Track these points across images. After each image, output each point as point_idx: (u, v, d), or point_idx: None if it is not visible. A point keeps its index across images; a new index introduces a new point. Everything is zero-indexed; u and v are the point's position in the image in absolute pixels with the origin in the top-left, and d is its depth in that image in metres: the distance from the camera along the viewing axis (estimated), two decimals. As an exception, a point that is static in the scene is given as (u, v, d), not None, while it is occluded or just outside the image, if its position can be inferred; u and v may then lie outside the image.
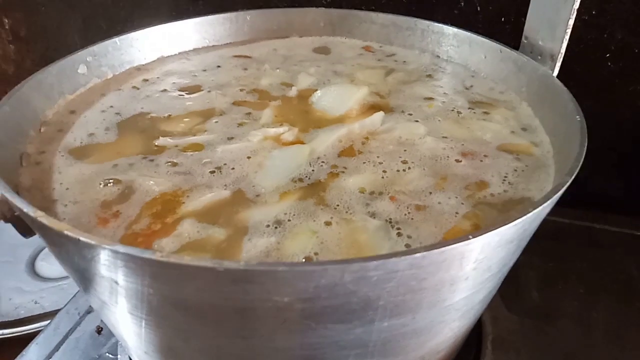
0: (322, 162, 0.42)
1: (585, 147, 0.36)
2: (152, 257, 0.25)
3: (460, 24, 0.69)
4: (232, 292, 0.26)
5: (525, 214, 0.29)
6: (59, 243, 0.30)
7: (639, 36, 0.65)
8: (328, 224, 0.35)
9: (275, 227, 0.35)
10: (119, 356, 0.54)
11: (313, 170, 0.41)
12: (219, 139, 0.45)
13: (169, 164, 0.42)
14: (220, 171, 0.41)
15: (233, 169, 0.41)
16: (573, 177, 0.32)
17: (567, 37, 0.48)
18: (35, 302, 0.86)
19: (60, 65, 0.50)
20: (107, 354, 0.54)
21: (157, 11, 0.85)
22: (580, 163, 0.34)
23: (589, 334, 0.57)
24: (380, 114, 0.47)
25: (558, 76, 0.49)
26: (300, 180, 0.40)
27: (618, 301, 0.61)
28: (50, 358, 0.55)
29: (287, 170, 0.41)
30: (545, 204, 0.30)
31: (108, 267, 0.28)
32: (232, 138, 0.45)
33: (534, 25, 0.51)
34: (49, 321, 0.63)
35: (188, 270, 0.25)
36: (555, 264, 0.67)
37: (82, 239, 0.27)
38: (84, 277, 0.33)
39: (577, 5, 0.46)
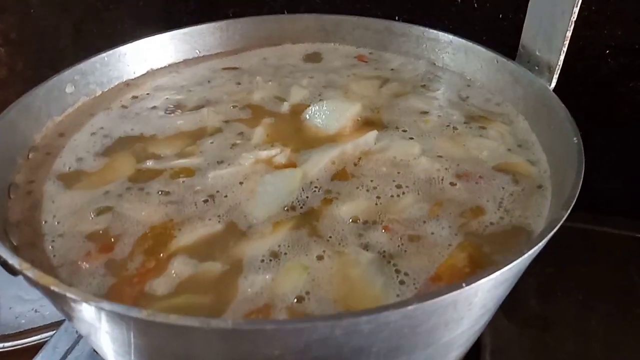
0: (315, 187, 0.41)
1: (582, 175, 0.35)
2: (139, 315, 0.25)
3: (457, 22, 0.68)
4: (221, 348, 0.26)
5: (519, 257, 0.28)
6: (45, 292, 0.30)
7: (638, 32, 0.64)
8: (320, 258, 0.35)
9: (270, 261, 0.35)
10: (117, 375, 0.54)
11: (306, 197, 0.40)
12: (210, 163, 0.44)
13: (161, 192, 0.41)
14: (213, 200, 0.40)
15: (225, 196, 0.41)
16: (569, 210, 0.32)
17: (565, 49, 0.46)
18: (36, 311, 0.86)
19: (47, 86, 0.49)
20: (106, 373, 0.55)
21: (147, 13, 0.84)
22: (577, 194, 0.33)
23: (587, 342, 0.57)
24: (374, 133, 0.46)
25: (558, 76, 0.47)
26: (293, 208, 0.39)
27: (617, 308, 0.61)
28: (50, 377, 0.55)
29: (279, 198, 0.40)
30: (540, 244, 0.29)
31: (95, 319, 0.28)
32: (223, 162, 0.44)
33: (530, 35, 0.50)
34: (48, 333, 0.63)
35: (175, 328, 0.25)
36: (553, 269, 0.66)
37: (68, 295, 0.26)
38: (73, 320, 0.32)
39: (574, 17, 0.44)
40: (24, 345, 0.74)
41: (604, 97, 0.70)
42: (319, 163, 0.43)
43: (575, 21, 0.46)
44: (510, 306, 0.61)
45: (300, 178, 0.42)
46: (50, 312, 0.84)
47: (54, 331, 0.63)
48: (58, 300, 0.29)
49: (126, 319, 0.26)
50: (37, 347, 0.63)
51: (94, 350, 0.57)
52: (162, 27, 0.71)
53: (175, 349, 0.28)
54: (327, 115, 0.49)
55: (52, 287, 0.27)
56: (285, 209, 0.39)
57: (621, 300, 0.62)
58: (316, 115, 0.50)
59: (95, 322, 0.28)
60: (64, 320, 0.62)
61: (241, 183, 0.42)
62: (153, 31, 0.75)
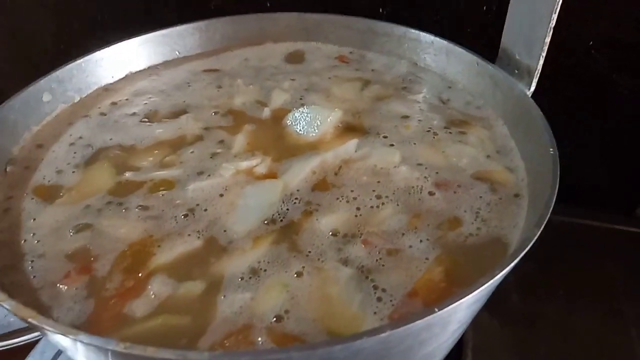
0: (296, 198, 0.42)
1: (557, 189, 0.35)
2: (116, 348, 0.25)
3: (442, 13, 0.67)
4: (199, 376, 0.26)
5: (490, 279, 0.29)
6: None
7: (623, 25, 0.64)
8: (300, 274, 0.35)
9: (249, 278, 0.35)
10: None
11: (287, 210, 0.41)
12: (190, 175, 0.44)
13: (140, 207, 0.41)
14: (193, 214, 0.40)
15: (205, 210, 0.41)
16: (542, 228, 0.32)
17: (544, 54, 0.46)
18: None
19: (23, 96, 0.48)
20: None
21: (128, 8, 0.82)
22: (550, 210, 0.34)
23: (568, 338, 0.58)
24: (354, 141, 0.46)
25: (543, 70, 0.47)
26: (273, 221, 0.40)
27: (598, 302, 0.62)
28: (39, 381, 0.55)
29: (260, 211, 0.40)
30: (512, 263, 0.30)
31: (74, 349, 0.28)
32: (203, 173, 0.44)
33: (510, 39, 0.50)
34: (37, 334, 0.63)
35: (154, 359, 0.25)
36: (535, 264, 0.67)
37: (46, 327, 0.27)
38: (54, 343, 0.33)
39: (553, 24, 0.44)
40: (14, 346, 0.75)
41: (588, 90, 0.71)
42: (300, 173, 0.43)
43: (560, 14, 0.46)
44: (492, 302, 0.62)
45: (281, 190, 0.42)
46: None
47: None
48: (37, 329, 0.29)
49: (104, 351, 0.26)
50: (25, 348, 0.63)
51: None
52: (143, 15, 0.70)
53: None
54: (308, 122, 0.49)
55: (31, 320, 0.27)
56: (266, 222, 0.40)
57: (603, 295, 0.63)
58: (297, 122, 0.50)
59: (75, 350, 0.28)
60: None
61: (221, 195, 0.42)
62: (134, 22, 0.74)
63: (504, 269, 0.29)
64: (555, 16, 0.44)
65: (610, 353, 0.56)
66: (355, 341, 0.25)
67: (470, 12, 0.68)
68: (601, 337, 0.58)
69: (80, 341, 0.26)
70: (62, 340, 0.28)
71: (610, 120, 0.72)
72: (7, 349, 0.77)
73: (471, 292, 0.28)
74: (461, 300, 0.27)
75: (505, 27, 0.50)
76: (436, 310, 0.27)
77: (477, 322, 0.60)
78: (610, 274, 0.66)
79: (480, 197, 0.42)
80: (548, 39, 0.45)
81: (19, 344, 0.76)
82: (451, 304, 0.27)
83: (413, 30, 0.59)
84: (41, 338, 0.62)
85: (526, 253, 0.62)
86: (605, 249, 0.69)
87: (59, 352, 0.58)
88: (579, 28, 0.66)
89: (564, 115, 0.41)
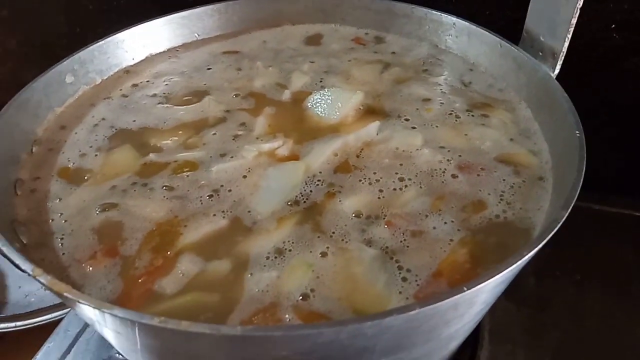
0: (318, 180, 0.42)
1: (583, 173, 0.35)
2: (151, 322, 0.26)
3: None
4: (230, 351, 0.27)
5: (519, 259, 0.29)
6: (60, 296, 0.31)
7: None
8: (324, 255, 0.36)
9: (275, 258, 0.36)
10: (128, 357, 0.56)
11: (310, 191, 0.41)
12: (213, 156, 0.44)
13: (165, 187, 0.41)
14: (218, 194, 0.41)
15: (230, 191, 0.41)
16: (569, 210, 0.32)
17: (569, 36, 0.46)
18: (45, 289, 0.88)
19: (46, 78, 0.48)
20: (117, 355, 0.56)
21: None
22: (577, 193, 0.34)
23: (583, 321, 0.58)
24: (376, 124, 0.46)
25: None
26: (297, 203, 0.40)
27: (613, 287, 0.62)
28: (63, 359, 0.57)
29: (283, 193, 0.41)
30: (539, 246, 0.30)
31: (107, 323, 0.29)
32: (226, 155, 0.44)
33: (534, 20, 0.49)
34: (58, 312, 0.65)
35: (186, 334, 0.26)
36: (552, 249, 0.67)
37: (81, 301, 0.27)
38: (84, 318, 0.33)
39: (580, 4, 0.44)
40: (35, 325, 0.76)
41: (607, 72, 0.69)
42: (322, 155, 0.44)
43: None
44: (508, 285, 0.63)
45: (303, 171, 0.42)
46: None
47: (64, 310, 0.64)
48: (71, 304, 0.30)
49: (138, 325, 0.27)
50: (48, 327, 0.65)
51: (105, 334, 0.59)
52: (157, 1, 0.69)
53: (185, 351, 0.29)
54: (328, 105, 0.49)
55: (66, 294, 0.27)
56: (289, 203, 0.40)
57: (617, 279, 0.63)
58: (318, 105, 0.49)
59: (108, 325, 0.29)
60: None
61: (245, 177, 0.42)
62: (148, 4, 0.73)
63: (531, 251, 0.29)
64: (582, -3, 0.43)
65: (624, 336, 0.57)
66: (385, 318, 0.26)
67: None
68: (615, 320, 0.58)
69: (115, 315, 0.26)
70: (95, 315, 0.28)
71: (626, 105, 0.70)
72: (28, 327, 0.79)
73: (499, 273, 0.28)
74: (489, 280, 0.27)
75: (529, 8, 0.50)
76: (465, 289, 0.27)
77: (493, 305, 0.60)
78: (625, 259, 0.65)
79: (504, 179, 0.42)
80: (574, 20, 0.45)
81: (39, 323, 0.78)
82: (479, 283, 0.27)
83: (435, 12, 0.58)
84: (62, 318, 0.63)
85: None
86: (620, 234, 0.69)
87: (83, 330, 0.60)
88: (600, 8, 0.65)
89: (579, 99, 0.40)
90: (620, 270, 0.64)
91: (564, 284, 0.63)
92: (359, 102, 0.50)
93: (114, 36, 0.55)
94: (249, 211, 0.39)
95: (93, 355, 0.57)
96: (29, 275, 0.30)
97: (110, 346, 0.57)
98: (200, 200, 0.40)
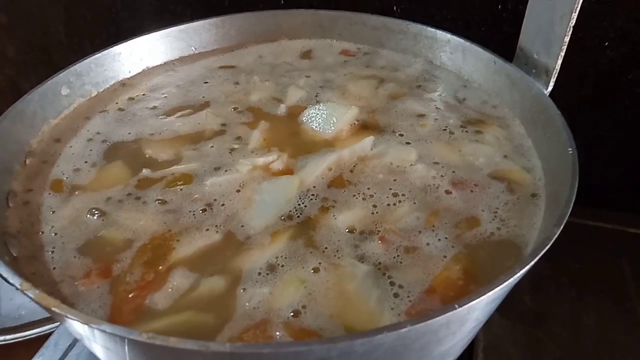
0: (312, 195, 0.42)
1: (576, 189, 0.35)
2: (139, 338, 0.25)
3: (456, 11, 0.67)
4: (220, 368, 0.27)
5: (511, 276, 0.29)
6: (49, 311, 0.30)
7: (639, 24, 0.64)
8: (316, 270, 0.36)
9: (267, 274, 0.35)
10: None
11: (304, 206, 0.41)
12: (207, 170, 0.44)
13: (158, 201, 0.41)
14: (211, 208, 0.41)
15: (223, 205, 0.41)
16: (562, 227, 0.32)
17: (563, 53, 0.46)
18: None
19: (42, 89, 0.49)
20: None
21: (142, 1, 0.82)
22: (570, 209, 0.34)
23: (579, 338, 0.58)
24: (370, 139, 0.46)
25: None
26: (290, 217, 0.40)
27: (609, 303, 0.62)
28: (53, 373, 0.56)
29: (276, 207, 0.41)
30: (531, 262, 0.30)
31: (95, 338, 0.28)
32: (220, 168, 0.44)
33: (528, 38, 0.50)
34: (49, 326, 0.64)
35: (175, 351, 0.26)
36: (547, 264, 0.67)
37: (69, 316, 0.27)
38: (74, 333, 0.33)
39: (573, 22, 0.44)
40: (25, 338, 0.76)
41: (603, 88, 0.70)
42: (316, 170, 0.44)
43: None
44: (503, 301, 0.62)
45: (297, 186, 0.42)
46: (50, 304, 0.85)
47: (55, 324, 0.64)
48: (59, 319, 0.30)
49: (127, 341, 0.26)
50: (38, 340, 0.64)
51: (95, 348, 0.58)
52: (156, 12, 0.70)
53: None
54: (323, 119, 0.49)
55: (54, 308, 0.27)
56: (282, 218, 0.40)
57: (613, 294, 0.62)
58: (313, 119, 0.50)
59: (97, 340, 0.29)
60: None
61: (238, 191, 0.42)
62: (146, 17, 0.74)
63: (524, 267, 0.29)
64: (575, 15, 0.44)
65: (621, 352, 0.56)
66: (376, 336, 0.25)
67: (485, 10, 0.68)
68: (612, 336, 0.58)
69: (103, 331, 0.26)
70: (84, 330, 0.28)
71: (623, 120, 0.71)
72: (18, 341, 0.78)
73: (492, 290, 0.28)
74: (481, 298, 0.27)
75: (523, 25, 0.50)
76: (456, 306, 0.27)
77: (488, 322, 0.60)
78: (621, 275, 0.65)
79: (498, 196, 0.42)
80: (567, 38, 0.45)
81: (29, 337, 0.77)
82: (472, 301, 0.27)
83: (429, 28, 0.59)
84: (53, 331, 0.63)
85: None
86: (616, 250, 0.69)
87: (73, 344, 0.59)
88: (595, 24, 0.65)
89: (575, 115, 0.41)
90: (616, 286, 0.64)
91: (560, 300, 0.63)
92: (354, 117, 0.50)
93: (111, 49, 0.55)
94: (242, 226, 0.39)
95: (83, 369, 0.56)
96: (17, 289, 0.29)
97: None
98: (194, 214, 0.40)
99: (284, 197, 0.41)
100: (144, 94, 0.55)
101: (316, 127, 0.49)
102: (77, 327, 0.28)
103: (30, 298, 0.28)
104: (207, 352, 0.25)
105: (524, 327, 0.60)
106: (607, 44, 0.68)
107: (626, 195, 0.75)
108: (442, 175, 0.43)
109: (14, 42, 1.00)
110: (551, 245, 0.69)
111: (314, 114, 0.50)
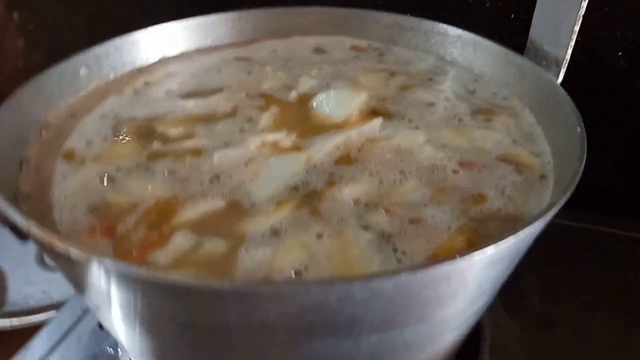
0: (319, 170, 0.42)
1: (584, 163, 0.35)
2: (139, 272, 0.26)
3: (468, 21, 0.68)
4: (218, 308, 0.27)
5: (514, 233, 0.28)
6: (52, 252, 0.31)
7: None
8: (320, 236, 0.35)
9: (270, 238, 0.36)
10: (120, 351, 0.55)
11: (309, 179, 0.41)
12: (217, 146, 0.45)
13: (166, 171, 0.42)
14: (218, 179, 0.41)
15: (230, 176, 0.41)
16: (568, 195, 0.32)
17: (572, 43, 0.47)
18: (44, 292, 0.88)
19: (61, 68, 0.50)
20: (108, 349, 0.56)
21: (159, 11, 0.85)
22: (577, 180, 0.33)
23: (588, 341, 0.57)
24: (379, 120, 0.47)
25: (566, 75, 0.47)
26: (296, 189, 0.40)
27: (619, 308, 0.61)
28: (53, 351, 0.56)
29: (283, 179, 0.41)
30: (535, 223, 0.29)
31: (99, 278, 0.28)
32: (229, 144, 0.45)
33: (539, 30, 0.50)
34: (54, 312, 0.64)
35: (174, 287, 0.26)
36: (557, 268, 0.66)
37: (72, 251, 0.27)
38: (78, 284, 0.33)
39: (582, 12, 0.45)
40: (32, 323, 0.76)
41: (613, 98, 0.70)
42: (324, 148, 0.44)
43: (587, 22, 0.46)
44: (512, 303, 0.61)
45: (305, 161, 0.43)
46: (57, 293, 0.86)
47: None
48: (64, 260, 0.30)
49: (128, 277, 0.26)
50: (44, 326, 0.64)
51: (98, 327, 0.58)
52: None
53: (176, 313, 0.28)
54: (334, 103, 0.50)
55: (57, 243, 0.27)
56: (288, 189, 0.40)
57: (624, 301, 0.61)
58: (323, 103, 0.50)
59: (100, 282, 0.29)
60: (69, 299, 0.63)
61: (246, 165, 0.43)
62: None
63: (527, 226, 0.29)
64: (585, 4, 0.44)
65: (630, 355, 0.55)
66: (374, 279, 0.25)
67: (497, 20, 0.70)
68: (620, 341, 0.57)
69: (104, 265, 0.26)
70: (88, 267, 0.28)
71: (632, 129, 0.71)
72: (24, 327, 0.78)
73: (493, 244, 0.27)
74: (483, 250, 0.27)
75: (534, 19, 0.51)
76: (457, 256, 0.26)
77: (496, 322, 0.59)
78: (631, 282, 0.64)
79: (505, 177, 0.41)
80: (577, 27, 0.46)
81: (37, 322, 0.77)
82: (472, 252, 0.27)
83: (440, 25, 0.60)
84: (55, 316, 0.63)
85: (549, 255, 0.60)
86: (627, 257, 0.68)
87: (76, 323, 0.59)
88: (605, 35, 0.66)
89: (584, 122, 0.41)
90: (627, 293, 0.63)
91: (569, 304, 0.62)
92: (364, 102, 0.50)
93: (130, 35, 0.57)
94: (248, 195, 0.40)
95: (85, 348, 0.56)
96: (25, 233, 0.30)
97: (101, 340, 0.57)
98: (201, 184, 0.41)
99: (291, 171, 0.42)
100: (159, 79, 0.57)
101: (326, 111, 0.50)
102: (83, 271, 0.28)
103: (35, 237, 0.29)
104: (205, 288, 0.25)
105: (532, 328, 0.59)
106: (619, 54, 0.68)
107: (637, 202, 0.74)
108: (449, 157, 0.43)
109: (39, 49, 1.04)
110: (562, 251, 0.68)
111: (324, 99, 0.51)
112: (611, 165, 0.73)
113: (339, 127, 0.48)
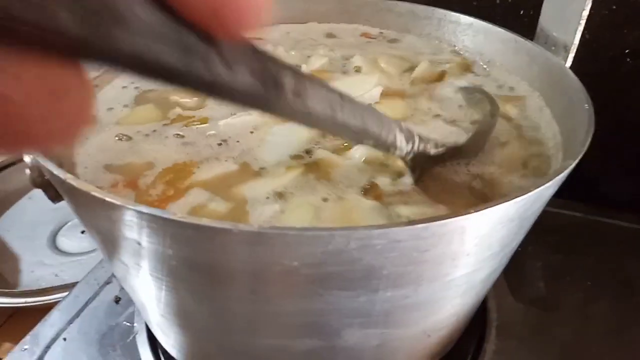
0: (325, 139, 0.44)
1: (592, 134, 0.36)
2: (172, 217, 0.27)
3: (477, 17, 0.70)
4: (244, 255, 0.28)
5: (525, 193, 0.30)
6: (85, 205, 0.32)
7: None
8: (325, 200, 0.37)
9: (278, 198, 0.37)
10: (135, 324, 0.56)
11: (314, 146, 0.43)
12: (224, 113, 0.47)
13: (177, 136, 0.44)
14: (227, 143, 0.43)
15: (238, 141, 0.43)
16: (577, 160, 0.33)
17: (581, 28, 0.48)
18: (56, 275, 0.90)
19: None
20: (124, 323, 0.57)
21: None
22: (585, 147, 0.35)
23: (589, 326, 0.58)
24: (379, 88, 0.49)
25: (574, 72, 0.49)
26: (301, 157, 0.42)
27: (620, 294, 0.62)
28: (71, 324, 0.57)
29: (289, 147, 0.43)
30: (546, 185, 0.31)
31: (131, 228, 0.30)
32: (235, 114, 0.47)
33: (548, 16, 0.52)
34: (68, 292, 0.66)
35: (204, 231, 0.27)
36: (562, 256, 0.68)
37: (107, 199, 0.29)
38: (108, 240, 0.35)
39: (591, -3, 0.46)
40: (46, 303, 0.78)
41: (619, 98, 0.71)
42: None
43: (595, 21, 0.48)
44: (518, 285, 0.63)
45: (309, 130, 0.44)
46: (69, 276, 0.88)
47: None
48: (96, 213, 0.32)
49: (160, 222, 0.28)
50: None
51: (114, 301, 0.59)
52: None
53: (202, 260, 0.30)
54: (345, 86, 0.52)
55: (93, 193, 0.29)
56: (294, 156, 0.42)
57: (624, 288, 0.63)
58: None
59: (131, 232, 0.30)
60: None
61: (252, 132, 0.45)
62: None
63: (538, 187, 0.30)
64: (593, -10, 0.46)
65: (629, 339, 0.57)
66: (393, 228, 0.27)
67: (507, 16, 0.71)
68: (621, 327, 0.59)
69: (139, 212, 0.28)
70: (122, 216, 0.29)
71: (635, 124, 0.72)
72: (38, 305, 0.79)
73: (506, 201, 0.29)
74: (497, 206, 0.28)
75: (543, 6, 0.52)
76: (472, 211, 0.28)
77: (501, 304, 0.60)
78: (631, 271, 0.66)
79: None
80: (585, 13, 0.47)
81: (50, 301, 0.78)
82: (486, 207, 0.28)
83: (453, 13, 0.61)
84: (72, 289, 0.64)
85: (554, 243, 0.61)
86: (632, 247, 0.69)
87: (93, 297, 0.60)
88: (613, 35, 0.67)
89: (597, 122, 0.42)
90: (630, 281, 0.64)
91: (574, 289, 0.63)
92: (375, 83, 0.52)
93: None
94: (256, 159, 0.41)
95: (101, 321, 0.57)
96: (60, 179, 0.31)
97: (117, 313, 0.58)
98: (211, 147, 0.43)
99: (296, 139, 0.43)
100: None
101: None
102: (112, 217, 0.30)
103: (72, 186, 0.30)
104: (236, 231, 0.26)
105: (537, 311, 0.60)
106: (627, 52, 0.70)
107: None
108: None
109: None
110: (567, 240, 0.69)
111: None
112: (618, 162, 0.74)
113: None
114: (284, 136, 0.43)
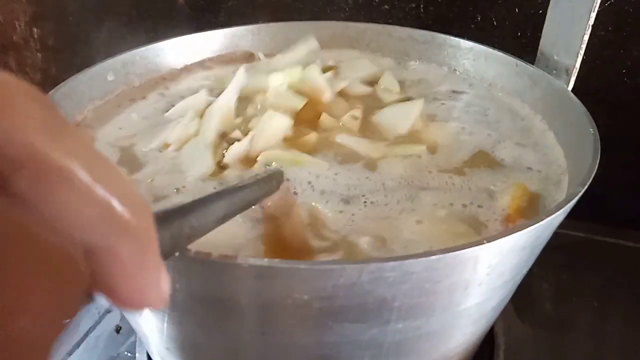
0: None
1: (598, 160, 0.36)
2: (185, 253, 0.27)
3: (476, 39, 0.71)
4: (254, 288, 0.28)
5: (537, 222, 0.30)
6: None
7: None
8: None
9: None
10: (137, 355, 0.55)
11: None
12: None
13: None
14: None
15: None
16: (586, 187, 0.33)
17: (582, 51, 0.49)
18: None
19: (91, 72, 0.52)
20: (125, 353, 0.56)
21: (180, 23, 0.88)
22: (593, 174, 0.35)
23: (600, 347, 0.58)
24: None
25: (573, 92, 0.49)
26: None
27: (631, 317, 0.62)
28: (71, 355, 0.56)
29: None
30: (557, 213, 0.31)
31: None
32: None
33: (549, 40, 0.52)
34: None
35: (214, 266, 0.27)
36: (569, 277, 0.67)
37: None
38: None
39: (591, 21, 0.47)
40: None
41: (620, 116, 0.72)
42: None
43: (593, 41, 0.48)
44: (525, 308, 0.62)
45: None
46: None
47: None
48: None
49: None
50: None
51: (115, 331, 0.58)
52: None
53: (211, 293, 0.29)
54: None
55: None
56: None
57: (634, 309, 0.62)
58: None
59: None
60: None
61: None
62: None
63: (549, 216, 0.30)
64: (594, 14, 0.47)
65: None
66: (406, 260, 0.26)
67: (505, 38, 0.72)
68: (632, 348, 0.58)
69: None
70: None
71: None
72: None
73: (517, 231, 0.29)
74: (509, 236, 0.28)
75: (544, 30, 0.53)
76: (485, 242, 0.28)
77: (509, 327, 0.60)
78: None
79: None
80: (586, 37, 0.48)
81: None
82: (498, 237, 0.28)
83: (453, 38, 0.62)
84: (69, 325, 0.63)
85: (561, 263, 0.61)
86: (636, 267, 0.69)
87: (93, 327, 0.59)
88: (612, 53, 0.68)
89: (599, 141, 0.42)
90: (636, 300, 0.64)
91: (582, 309, 0.63)
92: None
93: (156, 45, 0.59)
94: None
95: (102, 352, 0.56)
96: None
97: (118, 343, 0.57)
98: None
99: None
100: (183, 83, 0.59)
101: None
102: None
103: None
104: (245, 266, 0.26)
105: (545, 333, 0.60)
106: (624, 71, 0.71)
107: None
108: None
109: (57, 63, 1.07)
110: (574, 260, 0.68)
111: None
112: (622, 180, 0.74)
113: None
114: None
